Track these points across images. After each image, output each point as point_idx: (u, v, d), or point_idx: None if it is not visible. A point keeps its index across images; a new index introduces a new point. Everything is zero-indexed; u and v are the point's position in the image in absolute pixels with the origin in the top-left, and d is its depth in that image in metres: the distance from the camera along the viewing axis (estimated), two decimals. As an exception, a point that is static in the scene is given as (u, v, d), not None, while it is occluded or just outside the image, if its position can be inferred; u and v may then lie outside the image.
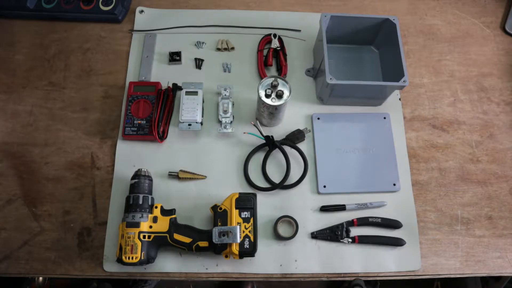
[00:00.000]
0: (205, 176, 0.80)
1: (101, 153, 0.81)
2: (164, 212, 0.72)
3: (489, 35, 0.97)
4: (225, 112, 0.81)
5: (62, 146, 0.82)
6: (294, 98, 0.86)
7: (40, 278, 1.21)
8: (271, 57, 0.89)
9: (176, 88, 0.84)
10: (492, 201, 0.81)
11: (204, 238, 0.70)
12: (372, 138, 0.84)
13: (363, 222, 0.77)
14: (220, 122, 0.81)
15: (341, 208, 0.78)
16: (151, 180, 0.75)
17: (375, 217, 0.77)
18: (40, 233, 0.76)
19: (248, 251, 0.69)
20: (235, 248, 0.68)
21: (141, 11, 0.94)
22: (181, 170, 0.79)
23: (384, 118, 0.86)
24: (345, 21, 0.83)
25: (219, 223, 0.70)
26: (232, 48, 0.91)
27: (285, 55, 0.90)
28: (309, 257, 0.75)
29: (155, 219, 0.70)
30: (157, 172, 0.79)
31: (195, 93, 0.82)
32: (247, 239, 0.69)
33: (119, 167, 0.80)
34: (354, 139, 0.83)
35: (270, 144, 0.80)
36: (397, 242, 0.76)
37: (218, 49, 0.91)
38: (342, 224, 0.77)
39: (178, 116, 0.79)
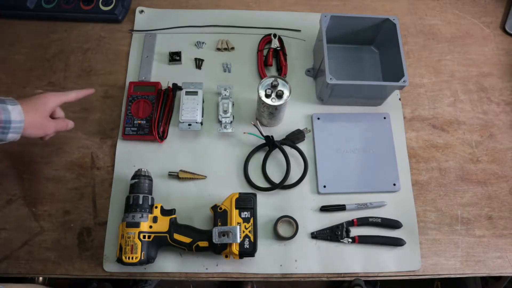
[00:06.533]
0: (205, 176, 0.80)
1: (101, 153, 0.81)
2: (164, 212, 0.72)
3: (489, 35, 0.97)
4: (225, 112, 0.81)
5: (62, 146, 0.82)
6: (294, 98, 0.86)
7: (40, 278, 1.21)
8: (271, 57, 0.89)
9: (176, 88, 0.84)
10: (492, 201, 0.81)
11: (204, 238, 0.70)
12: (372, 138, 0.84)
13: (363, 222, 0.77)
14: (220, 122, 0.81)
15: (341, 208, 0.78)
16: (151, 180, 0.75)
17: (375, 217, 0.77)
18: (40, 233, 0.76)
19: (248, 251, 0.69)
20: (235, 248, 0.68)
21: (141, 11, 0.94)
22: (181, 170, 0.79)
23: (384, 118, 0.86)
24: (345, 21, 0.83)
25: (219, 223, 0.70)
26: (232, 48, 0.91)
27: (285, 55, 0.90)
28: (309, 257, 0.75)
29: (155, 219, 0.70)
30: (157, 172, 0.79)
31: (195, 93, 0.82)
32: (247, 239, 0.69)
33: (119, 167, 0.80)
34: (354, 139, 0.83)
35: (270, 144, 0.80)
36: (397, 242, 0.76)
37: (218, 49, 0.91)
38: (342, 224, 0.77)
39: (178, 116, 0.79)
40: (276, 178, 0.80)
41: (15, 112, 0.61)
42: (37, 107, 0.65)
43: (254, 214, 0.70)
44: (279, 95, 0.72)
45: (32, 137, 0.66)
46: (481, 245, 0.78)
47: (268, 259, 0.74)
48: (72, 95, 0.73)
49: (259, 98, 0.73)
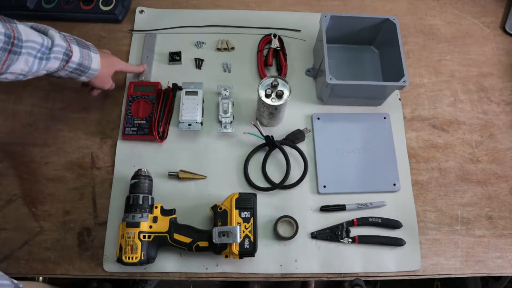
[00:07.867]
0: (205, 176, 0.80)
1: (101, 153, 0.81)
2: (164, 212, 0.72)
3: (489, 35, 0.97)
4: (225, 112, 0.81)
5: (62, 146, 0.82)
6: (294, 98, 0.86)
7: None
8: (271, 57, 0.89)
9: (176, 88, 0.84)
10: (492, 201, 0.81)
11: (204, 238, 0.70)
12: (372, 138, 0.84)
13: (363, 222, 0.77)
14: (220, 122, 0.81)
15: (341, 208, 0.78)
16: (151, 180, 0.75)
17: (375, 217, 0.77)
18: (40, 233, 0.76)
19: (248, 251, 0.69)
20: (235, 248, 0.68)
21: (141, 11, 0.94)
22: (181, 170, 0.79)
23: (384, 118, 0.86)
24: (345, 21, 0.83)
25: (219, 223, 0.70)
26: (232, 48, 0.91)
27: (285, 55, 0.90)
28: (309, 257, 0.75)
29: (155, 219, 0.70)
30: (157, 172, 0.79)
31: (195, 93, 0.82)
32: (247, 239, 0.69)
33: (119, 167, 0.80)
34: (354, 139, 0.83)
35: (270, 144, 0.80)
36: (397, 242, 0.76)
37: (218, 49, 0.91)
38: (342, 224, 0.77)
39: (178, 116, 0.80)
40: (276, 178, 0.80)
41: (95, 61, 0.70)
42: (108, 65, 0.75)
43: (254, 214, 0.70)
44: (279, 95, 0.72)
45: (94, 85, 0.75)
46: (481, 245, 0.78)
47: (268, 259, 0.74)
48: (130, 68, 0.83)
49: (259, 98, 0.73)
